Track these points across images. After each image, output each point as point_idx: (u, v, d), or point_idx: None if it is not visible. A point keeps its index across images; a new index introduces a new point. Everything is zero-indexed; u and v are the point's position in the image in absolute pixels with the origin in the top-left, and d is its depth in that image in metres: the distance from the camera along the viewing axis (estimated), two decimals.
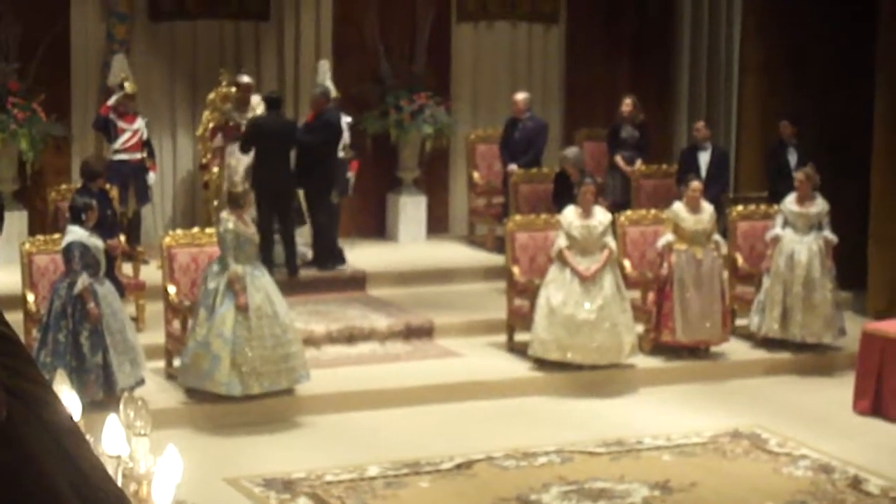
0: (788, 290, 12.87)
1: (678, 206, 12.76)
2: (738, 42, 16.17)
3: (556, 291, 12.16)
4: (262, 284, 11.17)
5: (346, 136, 14.57)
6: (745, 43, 15.94)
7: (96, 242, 10.90)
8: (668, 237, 12.66)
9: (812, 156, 13.91)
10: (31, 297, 11.50)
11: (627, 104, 15.05)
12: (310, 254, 14.13)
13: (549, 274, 12.28)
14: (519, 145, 14.97)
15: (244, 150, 13.72)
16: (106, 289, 10.90)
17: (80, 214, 10.94)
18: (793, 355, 12.93)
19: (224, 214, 11.54)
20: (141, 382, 10.90)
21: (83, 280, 10.69)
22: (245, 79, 14.32)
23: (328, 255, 14.01)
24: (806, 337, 12.89)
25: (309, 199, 14.04)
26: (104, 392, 10.57)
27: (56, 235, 11.68)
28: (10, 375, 1.88)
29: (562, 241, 12.25)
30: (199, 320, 11.12)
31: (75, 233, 10.85)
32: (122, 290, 11.76)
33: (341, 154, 14.52)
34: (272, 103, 13.83)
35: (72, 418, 2.03)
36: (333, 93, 14.46)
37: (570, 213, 12.37)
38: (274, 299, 11.18)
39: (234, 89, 14.40)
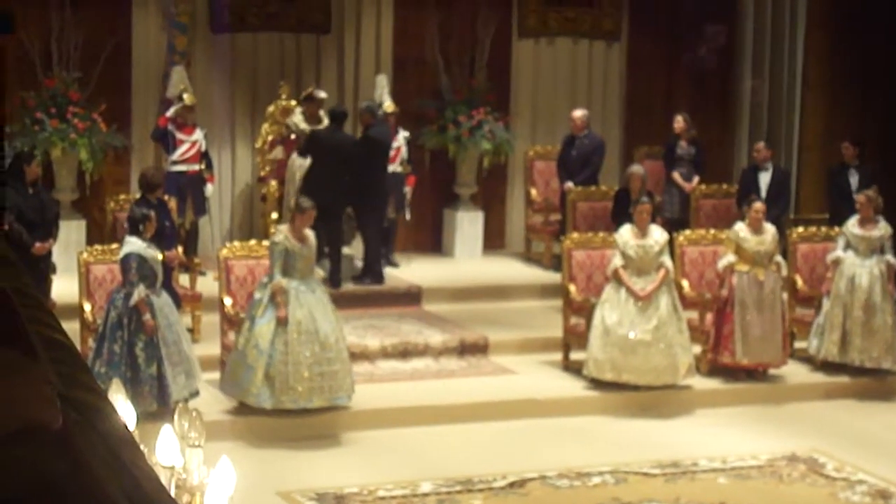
0: (848, 313, 12.73)
1: (740, 227, 12.64)
2: (801, 61, 16.04)
3: (611, 311, 12.07)
4: (306, 301, 11.11)
5: (403, 151, 14.57)
6: (807, 62, 15.82)
7: (154, 254, 10.92)
8: (729, 258, 12.54)
9: (875, 178, 13.77)
10: (87, 307, 11.53)
11: (679, 121, 15.00)
12: (359, 267, 14.14)
13: (605, 293, 12.20)
14: (576, 163, 14.91)
15: (301, 155, 13.76)
16: (162, 300, 10.92)
17: (137, 225, 10.97)
18: (851, 379, 12.78)
19: (280, 227, 11.58)
20: (195, 394, 10.90)
21: (139, 291, 10.71)
22: (321, 94, 14.36)
23: (367, 270, 13.99)
24: (865, 362, 12.74)
25: (357, 215, 14.03)
26: (158, 403, 10.58)
27: (114, 245, 11.72)
28: (66, 384, 1.85)
29: (617, 261, 12.16)
30: (242, 330, 11.14)
31: (133, 244, 10.88)
32: (178, 301, 11.77)
33: (399, 169, 14.51)
34: (335, 117, 13.85)
35: (126, 428, 1.99)
36: (391, 107, 14.45)
37: (626, 233, 12.29)
38: (317, 317, 11.09)
39: (293, 102, 14.44)
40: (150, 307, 10.74)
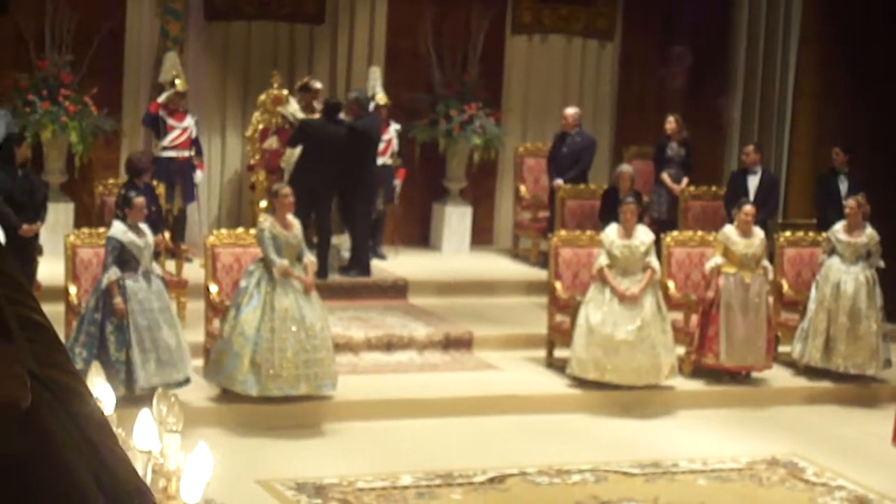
0: (833, 319, 12.74)
1: (729, 230, 12.65)
2: (794, 66, 16.06)
3: (596, 311, 12.08)
4: (292, 288, 11.13)
5: (394, 144, 14.56)
6: (800, 68, 15.83)
7: (133, 238, 10.85)
8: (717, 260, 12.55)
9: (864, 184, 13.79)
10: (73, 290, 11.51)
11: (671, 122, 14.99)
12: (346, 258, 14.15)
13: (590, 293, 12.20)
14: (566, 160, 14.91)
15: (290, 145, 13.76)
16: (139, 285, 10.84)
17: (121, 209, 10.99)
18: (834, 385, 12.80)
19: (265, 215, 11.59)
20: (172, 385, 10.51)
21: (109, 275, 10.69)
22: (317, 84, 14.36)
23: (354, 262, 13.99)
24: (849, 368, 12.76)
25: (345, 206, 14.00)
26: (125, 388, 10.50)
27: (101, 229, 11.70)
28: (40, 363, 1.84)
29: (602, 260, 12.16)
30: (228, 318, 11.14)
31: (114, 227, 10.88)
32: (166, 286, 11.73)
33: (389, 161, 14.50)
34: (329, 108, 13.82)
35: (101, 410, 1.99)
36: (384, 99, 14.45)
37: (612, 232, 12.29)
38: (303, 304, 11.12)
39: (285, 92, 14.41)
40: (123, 291, 10.70)
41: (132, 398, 10.10)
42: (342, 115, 13.85)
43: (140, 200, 11.02)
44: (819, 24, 15.56)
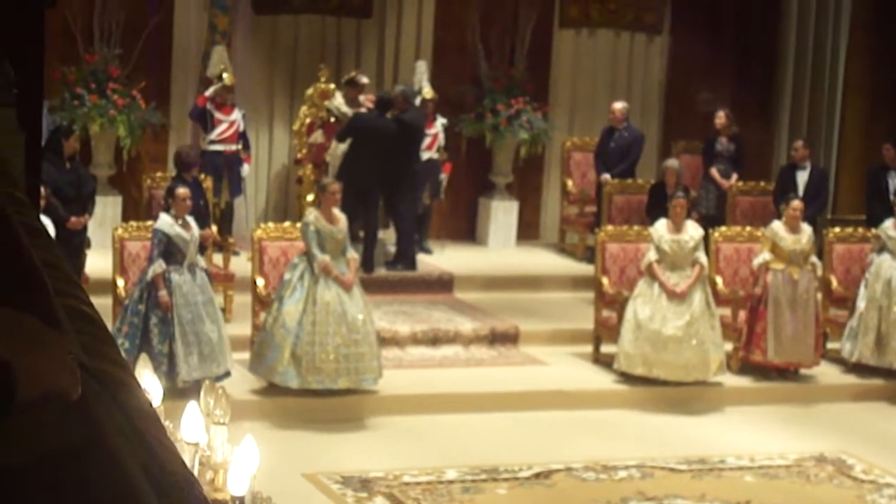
0: (885, 317, 12.64)
1: (777, 225, 12.57)
2: (843, 63, 15.95)
3: (644, 306, 12.03)
4: (335, 282, 11.13)
5: (440, 138, 14.54)
6: (850, 63, 15.72)
7: (179, 231, 10.89)
8: (765, 256, 12.48)
9: None
10: (121, 283, 11.56)
11: (721, 117, 14.94)
12: (392, 252, 14.14)
13: (638, 288, 12.15)
14: (614, 155, 14.86)
15: (339, 139, 13.77)
16: (184, 278, 10.87)
17: (165, 201, 11.04)
18: (884, 382, 12.70)
19: (311, 209, 11.60)
20: (213, 379, 10.48)
21: (155, 267, 10.74)
22: (364, 79, 14.35)
23: (400, 256, 13.98)
24: None
25: (391, 200, 13.99)
26: (167, 381, 10.49)
27: (149, 222, 11.74)
28: (89, 355, 1.83)
29: (651, 255, 12.11)
30: (271, 310, 11.16)
31: (161, 220, 10.93)
32: (211, 280, 11.77)
33: (435, 156, 14.48)
34: (380, 103, 13.80)
35: (149, 402, 1.98)
36: (430, 93, 14.42)
37: (661, 227, 12.24)
38: (345, 299, 11.11)
39: (332, 85, 14.42)
40: (168, 283, 10.74)
41: (175, 390, 10.12)
42: None
43: (182, 191, 11.04)
44: (869, 14, 15.43)
